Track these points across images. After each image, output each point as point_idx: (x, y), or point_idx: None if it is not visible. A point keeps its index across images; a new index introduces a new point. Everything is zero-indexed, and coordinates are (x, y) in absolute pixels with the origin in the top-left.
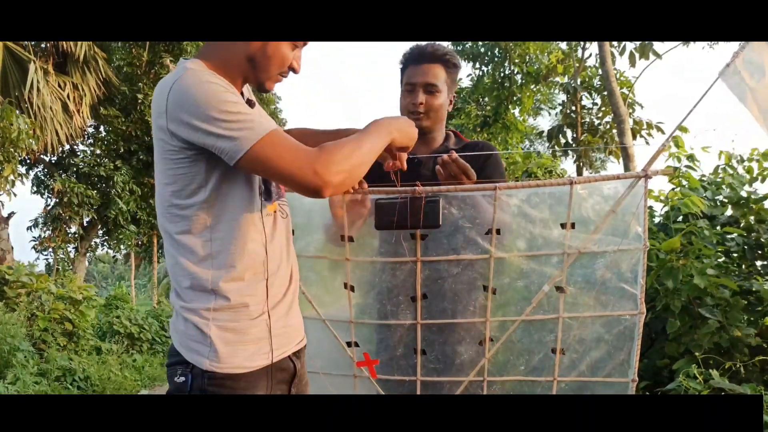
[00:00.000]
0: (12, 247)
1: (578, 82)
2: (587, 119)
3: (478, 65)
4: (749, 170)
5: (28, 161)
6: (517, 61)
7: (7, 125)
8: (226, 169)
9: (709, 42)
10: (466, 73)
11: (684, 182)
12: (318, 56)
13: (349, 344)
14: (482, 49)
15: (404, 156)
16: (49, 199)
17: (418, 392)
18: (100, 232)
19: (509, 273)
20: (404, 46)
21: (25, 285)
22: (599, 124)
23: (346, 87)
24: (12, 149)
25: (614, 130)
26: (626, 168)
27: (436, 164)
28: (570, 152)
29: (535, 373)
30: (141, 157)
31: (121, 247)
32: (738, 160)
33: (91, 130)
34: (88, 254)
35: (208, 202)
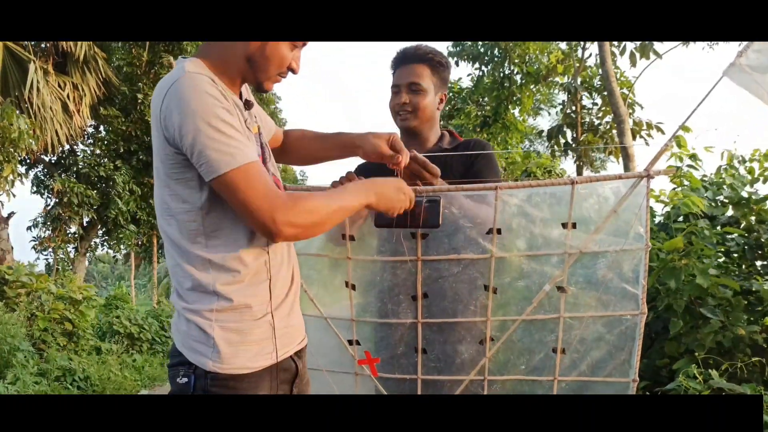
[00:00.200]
0: (12, 247)
1: (578, 82)
2: (587, 119)
3: (478, 65)
4: (750, 171)
5: (28, 161)
6: (517, 61)
7: (7, 125)
8: None
9: (709, 42)
10: (466, 73)
11: (685, 182)
12: (318, 56)
13: (350, 342)
14: (482, 49)
15: (407, 155)
16: (48, 199)
17: (419, 391)
18: (100, 232)
19: (510, 272)
20: (403, 47)
21: (25, 285)
22: (599, 124)
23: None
24: (12, 149)
25: (614, 130)
26: (626, 168)
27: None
28: (570, 152)
29: (536, 372)
30: (141, 157)
31: (121, 247)
32: (739, 160)
33: (91, 130)
34: (88, 254)
35: (207, 206)
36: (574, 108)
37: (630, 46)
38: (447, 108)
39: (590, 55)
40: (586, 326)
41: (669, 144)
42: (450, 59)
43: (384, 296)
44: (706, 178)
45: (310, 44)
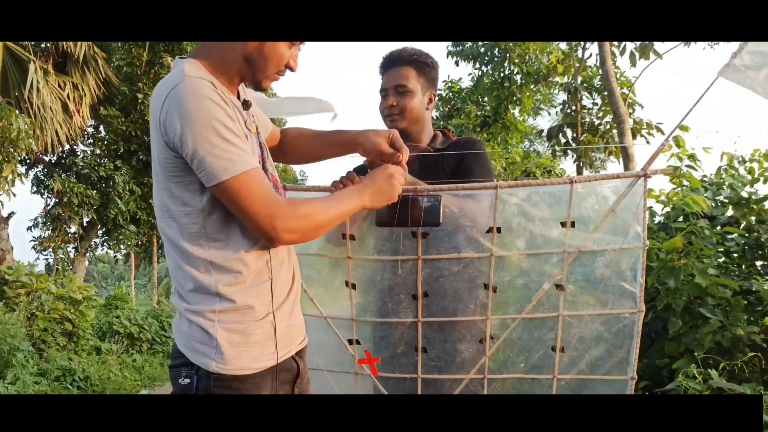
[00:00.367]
0: (12, 247)
1: (578, 82)
2: (587, 119)
3: (478, 65)
4: (750, 171)
5: (28, 161)
6: (517, 61)
7: (7, 125)
8: None
9: (709, 42)
10: (466, 73)
11: (685, 182)
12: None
13: (350, 342)
14: (482, 49)
15: (406, 152)
16: (48, 199)
17: (419, 390)
18: (100, 232)
19: (510, 271)
20: (404, 47)
21: (25, 285)
22: (599, 124)
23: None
24: (12, 149)
25: (614, 130)
26: (626, 168)
27: (427, 163)
28: (570, 152)
29: (535, 370)
30: (141, 157)
31: (121, 247)
32: (739, 160)
33: (91, 130)
34: (88, 254)
35: (208, 209)
36: (574, 108)
37: (630, 46)
38: (447, 108)
39: (590, 55)
40: (584, 324)
41: (666, 144)
42: (450, 59)
43: (384, 295)
44: (705, 179)
45: (310, 43)
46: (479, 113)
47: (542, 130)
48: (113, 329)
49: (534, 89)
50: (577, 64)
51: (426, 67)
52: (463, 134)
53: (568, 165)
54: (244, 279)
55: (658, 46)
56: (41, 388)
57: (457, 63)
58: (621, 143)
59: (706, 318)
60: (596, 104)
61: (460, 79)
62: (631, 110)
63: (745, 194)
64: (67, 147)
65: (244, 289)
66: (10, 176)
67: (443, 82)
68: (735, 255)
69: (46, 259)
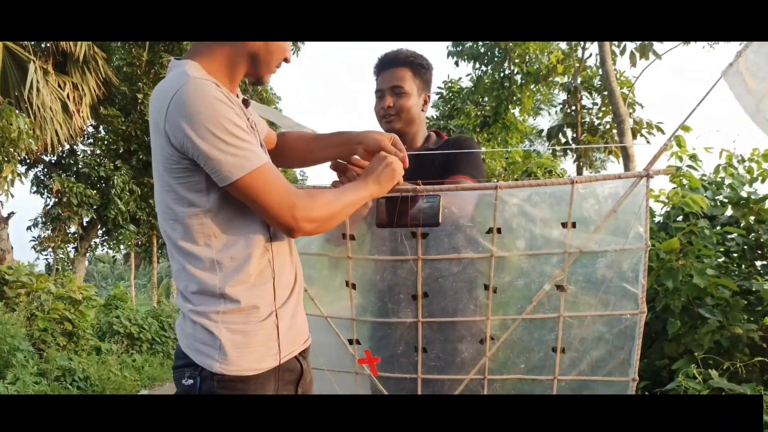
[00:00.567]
0: (12, 247)
1: (578, 82)
2: (587, 119)
3: (478, 65)
4: (749, 170)
5: (28, 161)
6: (517, 61)
7: (7, 125)
8: None
9: (709, 42)
10: (466, 73)
11: (685, 182)
12: (318, 56)
13: (350, 342)
14: (482, 49)
15: (406, 156)
16: (48, 199)
17: (419, 390)
18: (100, 232)
19: (510, 272)
20: (405, 47)
21: (25, 285)
22: (599, 124)
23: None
24: (12, 149)
25: (614, 130)
26: (626, 168)
27: (420, 163)
28: (570, 152)
29: (536, 371)
30: (141, 157)
31: (121, 247)
32: (739, 160)
33: (90, 130)
34: (87, 254)
35: (215, 209)
36: (574, 108)
37: (630, 46)
38: (447, 108)
39: (590, 55)
40: (585, 325)
41: (668, 144)
42: (450, 59)
43: (384, 295)
44: (705, 178)
45: (310, 43)
46: (479, 113)
47: (542, 130)
48: (113, 329)
49: (534, 89)
50: (577, 64)
51: (421, 68)
52: (463, 134)
53: (568, 165)
54: (249, 278)
55: (658, 46)
56: (41, 388)
57: (457, 63)
58: (621, 143)
59: (705, 318)
60: (596, 104)
61: (460, 79)
62: (631, 110)
63: (744, 194)
64: (67, 147)
65: (248, 288)
66: (10, 176)
67: (443, 82)
68: (735, 255)
69: (46, 259)
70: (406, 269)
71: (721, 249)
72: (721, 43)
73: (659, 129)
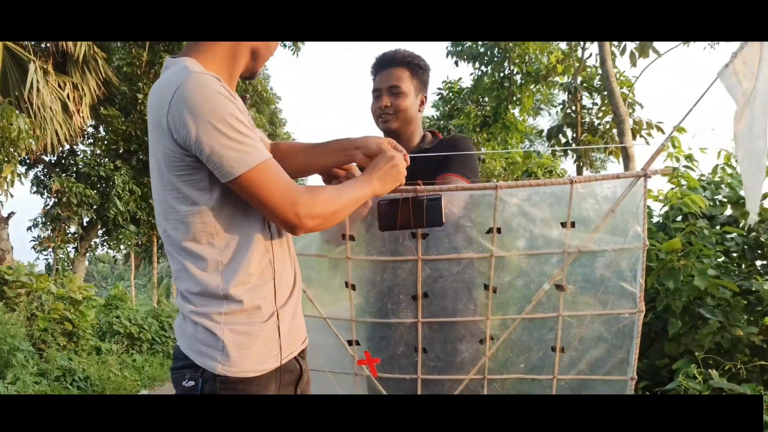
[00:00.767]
0: (12, 247)
1: (578, 82)
2: (587, 119)
3: (478, 65)
4: None
5: (28, 161)
6: (517, 61)
7: (7, 125)
8: None
9: (709, 42)
10: (467, 73)
11: (683, 182)
12: (318, 56)
13: (350, 343)
14: (482, 49)
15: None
16: (48, 199)
17: (419, 390)
18: (100, 232)
19: (510, 272)
20: (405, 47)
21: (25, 285)
22: (599, 124)
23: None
24: (12, 149)
25: (614, 130)
26: (626, 168)
27: (415, 163)
28: (570, 152)
29: (535, 371)
30: (141, 157)
31: (121, 247)
32: (737, 159)
33: (91, 130)
34: (88, 254)
35: (217, 206)
36: (574, 108)
37: (630, 46)
38: (447, 108)
39: (590, 55)
40: (584, 325)
41: (665, 144)
42: (450, 59)
43: (384, 296)
44: (703, 178)
45: (310, 43)
46: (479, 113)
47: (542, 130)
48: (113, 329)
49: (534, 89)
50: (577, 64)
51: (419, 69)
52: (458, 134)
53: (568, 165)
54: (251, 278)
55: (658, 45)
56: (41, 388)
57: (456, 63)
58: (621, 143)
59: (706, 319)
60: (596, 104)
61: (460, 79)
62: (631, 110)
63: (743, 193)
64: (66, 147)
65: (250, 288)
66: (10, 176)
67: (443, 81)
68: (734, 254)
69: (46, 259)
70: (406, 270)
71: (721, 249)
72: (721, 43)
73: (659, 129)
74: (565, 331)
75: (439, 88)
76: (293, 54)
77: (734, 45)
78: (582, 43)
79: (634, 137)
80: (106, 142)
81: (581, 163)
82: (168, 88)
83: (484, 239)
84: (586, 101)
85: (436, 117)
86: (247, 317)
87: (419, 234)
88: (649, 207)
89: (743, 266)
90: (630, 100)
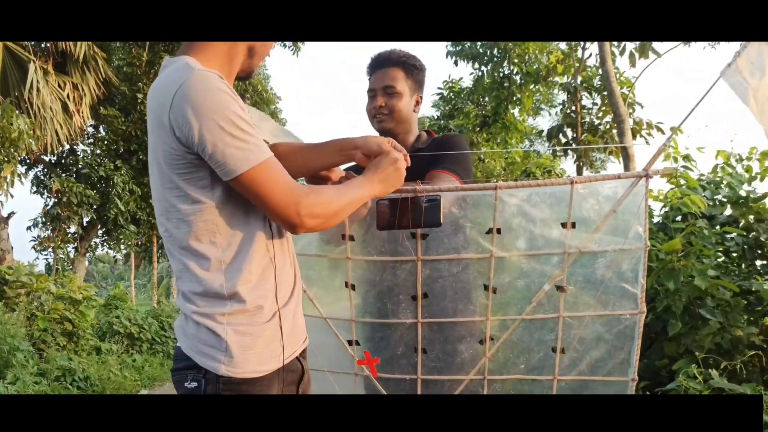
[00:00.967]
0: (12, 247)
1: (578, 82)
2: (587, 119)
3: (477, 65)
4: (748, 169)
5: (28, 161)
6: (516, 61)
7: (7, 125)
8: None
9: (709, 42)
10: (467, 73)
11: (682, 182)
12: (318, 56)
13: (350, 343)
14: (482, 49)
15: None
16: (48, 199)
17: (419, 391)
18: (100, 232)
19: (510, 272)
20: (405, 47)
21: (25, 285)
22: (599, 124)
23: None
24: (12, 149)
25: (614, 130)
26: (626, 168)
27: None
28: (570, 152)
29: (536, 372)
30: (141, 157)
31: (121, 247)
32: (737, 159)
33: (91, 130)
34: (88, 254)
35: (219, 204)
36: (574, 108)
37: (630, 46)
38: (447, 108)
39: (590, 55)
40: (585, 325)
41: (667, 144)
42: (449, 59)
43: (384, 296)
44: (703, 178)
45: (310, 43)
46: (479, 113)
47: (542, 130)
48: (113, 329)
49: (534, 89)
50: (577, 64)
51: (414, 69)
52: (463, 134)
53: (568, 165)
54: (252, 278)
55: (658, 46)
56: (41, 388)
57: (456, 63)
58: (621, 143)
59: (706, 319)
60: (596, 104)
61: (461, 79)
62: (631, 110)
63: (743, 193)
64: (66, 147)
65: (252, 288)
66: (10, 176)
67: (444, 81)
68: (734, 254)
69: (46, 259)
70: (406, 270)
71: (721, 249)
72: (722, 43)
73: (659, 129)
74: (565, 332)
75: (440, 88)
76: (293, 54)
77: (734, 45)
78: (582, 43)
79: (634, 137)
80: (106, 142)
81: (581, 163)
82: (170, 85)
83: (484, 239)
84: (586, 101)
85: (436, 117)
86: (249, 317)
87: (419, 234)
88: (649, 207)
89: (743, 266)
90: (630, 100)
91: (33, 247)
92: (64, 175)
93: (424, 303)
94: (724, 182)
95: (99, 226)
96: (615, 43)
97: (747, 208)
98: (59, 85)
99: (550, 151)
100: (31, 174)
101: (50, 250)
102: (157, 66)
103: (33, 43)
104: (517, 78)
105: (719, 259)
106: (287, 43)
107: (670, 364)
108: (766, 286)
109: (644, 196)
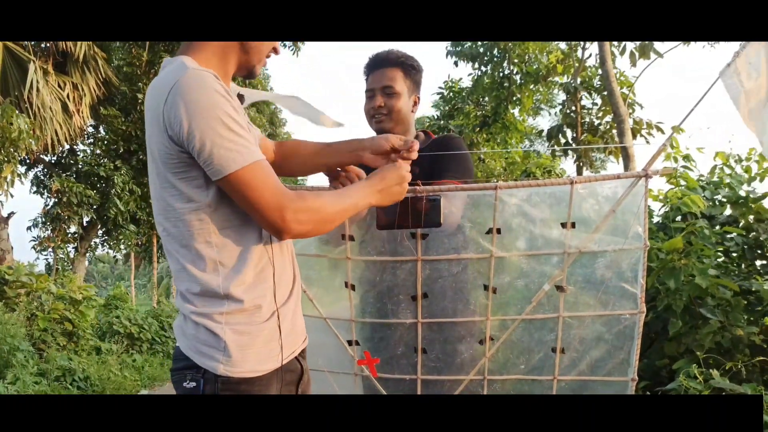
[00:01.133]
0: (12, 247)
1: (578, 82)
2: (587, 119)
3: (477, 65)
4: (747, 170)
5: (28, 161)
6: (516, 61)
7: (7, 125)
8: None
9: (709, 42)
10: (466, 73)
11: (682, 182)
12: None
13: (350, 343)
14: (481, 49)
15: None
16: (48, 199)
17: (419, 391)
18: (100, 232)
19: (510, 272)
20: (405, 47)
21: (25, 285)
22: (599, 124)
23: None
24: (12, 149)
25: (614, 130)
26: (626, 168)
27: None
28: (570, 152)
29: (536, 372)
30: (141, 157)
31: (121, 247)
32: (736, 159)
33: (91, 130)
34: (88, 254)
35: (214, 204)
36: (574, 108)
37: (630, 46)
38: (447, 108)
39: (590, 55)
40: (585, 325)
41: (666, 144)
42: (449, 59)
43: (384, 296)
44: (702, 178)
45: (310, 43)
46: (479, 113)
47: (542, 130)
48: (113, 329)
49: (534, 89)
50: (577, 64)
51: (412, 69)
52: (463, 134)
53: (568, 165)
54: (250, 277)
55: (658, 45)
56: (41, 388)
57: (456, 63)
58: (621, 143)
59: (707, 318)
60: (596, 104)
61: (460, 79)
62: (631, 110)
63: (743, 193)
64: (66, 147)
65: (250, 288)
66: (10, 176)
67: (444, 81)
68: (734, 255)
69: (46, 259)
70: (406, 270)
71: (721, 249)
72: (721, 43)
73: (659, 129)
74: (565, 332)
75: (440, 88)
76: (293, 54)
77: (734, 45)
78: (582, 43)
79: (634, 137)
80: (106, 142)
81: (581, 163)
82: (165, 84)
83: (484, 240)
84: (586, 101)
85: (436, 117)
86: (247, 317)
87: (419, 234)
88: (649, 207)
89: (743, 266)
90: (630, 100)
91: (33, 247)
92: (64, 175)
93: (423, 303)
94: (723, 183)
95: (99, 226)
96: (615, 43)
97: (747, 208)
98: (59, 85)
99: (550, 151)
100: (31, 174)
101: (50, 250)
102: (157, 66)
103: (33, 43)
104: (517, 78)
105: (719, 259)
106: (287, 43)
107: (671, 364)
108: (766, 286)
109: (644, 196)
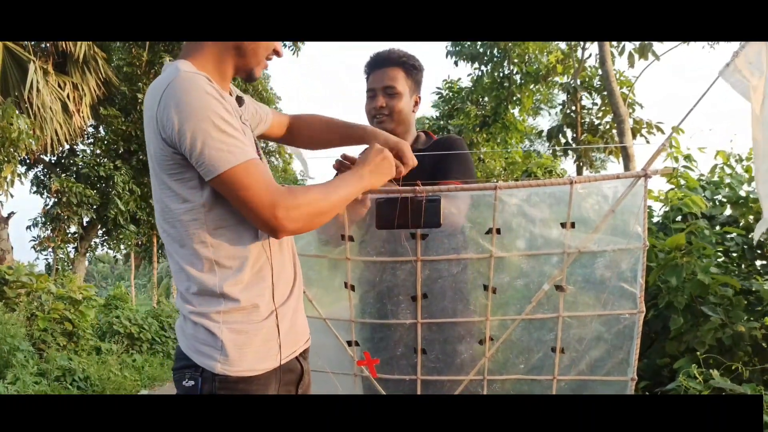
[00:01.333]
0: (12, 247)
1: (578, 82)
2: (587, 119)
3: (477, 65)
4: (748, 170)
5: (28, 161)
6: (516, 61)
7: (7, 125)
8: None
9: (709, 42)
10: (466, 73)
11: (682, 182)
12: (318, 56)
13: (349, 343)
14: (481, 49)
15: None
16: (48, 199)
17: (419, 391)
18: (100, 232)
19: (509, 272)
20: (405, 47)
21: (25, 285)
22: (599, 124)
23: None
24: (12, 149)
25: (614, 130)
26: (626, 168)
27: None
28: (570, 152)
29: (535, 371)
30: (141, 157)
31: (121, 247)
32: (737, 159)
33: (91, 130)
34: (88, 254)
35: (209, 204)
36: (574, 108)
37: (629, 46)
38: (447, 108)
39: (590, 55)
40: (584, 325)
41: (666, 144)
42: (449, 59)
43: (383, 297)
44: (703, 178)
45: (310, 43)
46: (479, 113)
47: (542, 130)
48: (113, 329)
49: (534, 89)
50: (577, 64)
51: (413, 69)
52: (462, 134)
53: (568, 165)
54: (247, 277)
55: (658, 46)
56: (41, 388)
57: (456, 63)
58: (621, 143)
59: (708, 316)
60: (596, 104)
61: (460, 79)
62: (631, 110)
63: (743, 193)
64: (66, 147)
65: (247, 287)
66: (10, 176)
67: (443, 81)
68: (734, 254)
69: (46, 259)
70: (406, 270)
71: (721, 249)
72: (721, 43)
73: (659, 129)
74: (565, 332)
75: (439, 88)
76: (293, 54)
77: (734, 45)
78: (582, 43)
79: (634, 137)
80: (106, 142)
81: (581, 163)
82: (159, 87)
83: (484, 240)
84: (586, 101)
85: (436, 117)
86: (244, 316)
87: (418, 234)
88: (649, 207)
89: (743, 266)
90: (630, 100)
91: (33, 247)
92: (64, 175)
93: (423, 303)
94: (724, 183)
95: (99, 226)
96: (615, 43)
97: (747, 208)
98: (59, 85)
99: (550, 151)
100: (31, 174)
101: (50, 250)
102: (157, 66)
103: (33, 43)
104: (517, 78)
105: (719, 259)
106: (287, 43)
107: (671, 364)
108: (767, 286)
109: (643, 195)
